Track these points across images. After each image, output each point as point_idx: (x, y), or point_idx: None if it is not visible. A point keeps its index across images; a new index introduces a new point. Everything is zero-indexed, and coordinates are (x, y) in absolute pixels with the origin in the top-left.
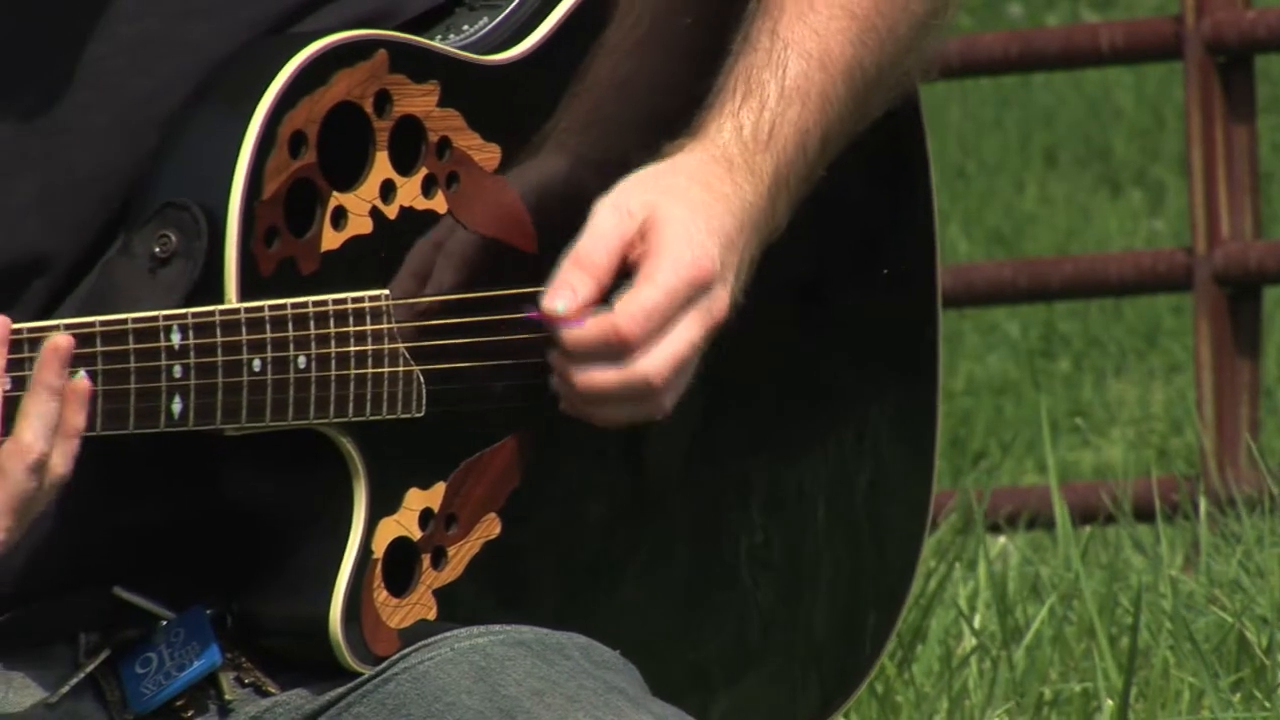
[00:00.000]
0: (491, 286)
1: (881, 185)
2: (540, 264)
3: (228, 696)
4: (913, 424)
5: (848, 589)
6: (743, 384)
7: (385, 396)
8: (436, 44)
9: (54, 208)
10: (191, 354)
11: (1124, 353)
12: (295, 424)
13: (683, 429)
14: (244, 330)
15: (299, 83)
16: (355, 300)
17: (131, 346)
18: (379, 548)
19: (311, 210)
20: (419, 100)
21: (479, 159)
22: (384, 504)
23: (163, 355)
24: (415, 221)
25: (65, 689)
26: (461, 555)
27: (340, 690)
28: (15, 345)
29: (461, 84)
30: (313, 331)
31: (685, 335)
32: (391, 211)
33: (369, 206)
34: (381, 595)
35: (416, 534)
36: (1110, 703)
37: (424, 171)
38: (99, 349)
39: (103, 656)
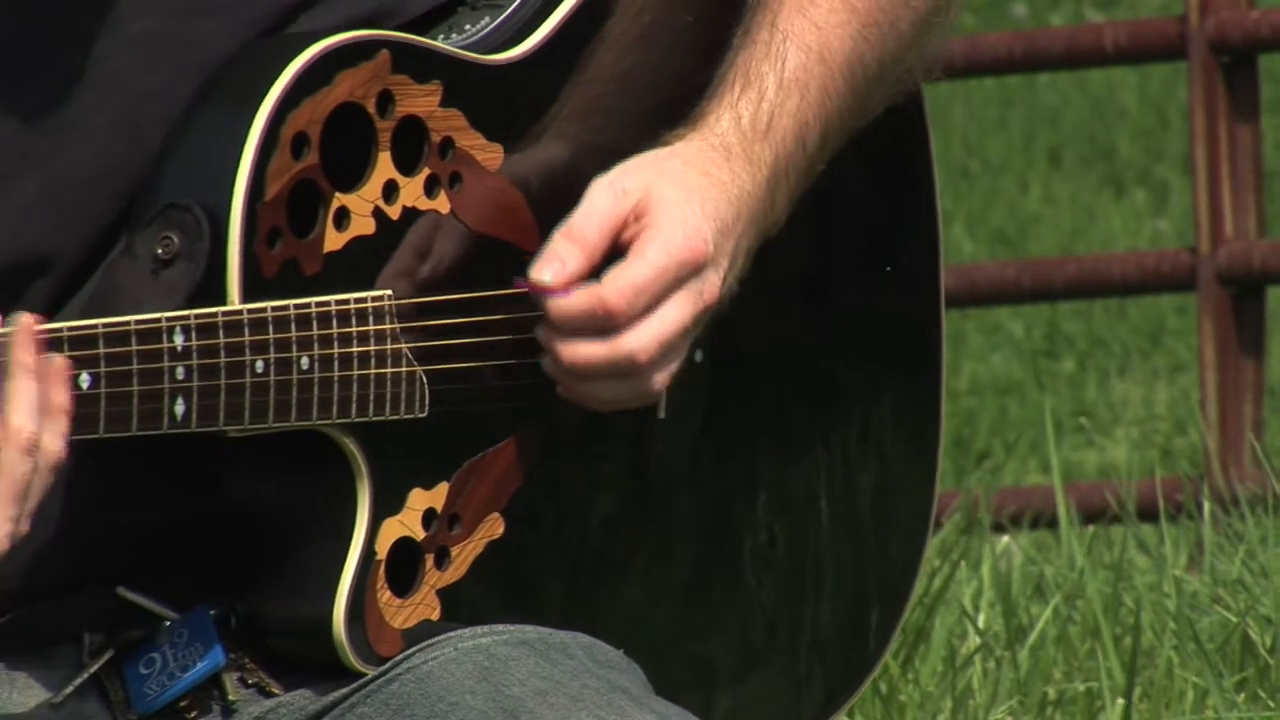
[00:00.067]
0: (494, 286)
1: (885, 185)
2: None
3: (231, 697)
4: (917, 423)
5: (852, 586)
6: (747, 383)
7: (388, 397)
8: (439, 44)
9: (56, 207)
10: (194, 355)
11: (1128, 352)
12: (298, 425)
13: (687, 428)
14: (247, 331)
15: (301, 83)
16: (358, 301)
17: (134, 348)
18: (382, 548)
19: (314, 211)
20: (421, 100)
21: (481, 159)
22: (387, 504)
23: (165, 357)
24: (418, 222)
25: (69, 689)
26: (465, 555)
27: (344, 691)
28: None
29: (464, 84)
30: (315, 332)
31: (674, 314)
32: (394, 212)
33: (371, 207)
34: (385, 595)
35: (420, 534)
36: (1121, 701)
37: (426, 171)
38: (101, 351)
39: (107, 657)
